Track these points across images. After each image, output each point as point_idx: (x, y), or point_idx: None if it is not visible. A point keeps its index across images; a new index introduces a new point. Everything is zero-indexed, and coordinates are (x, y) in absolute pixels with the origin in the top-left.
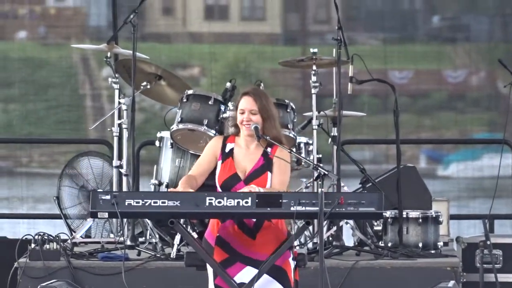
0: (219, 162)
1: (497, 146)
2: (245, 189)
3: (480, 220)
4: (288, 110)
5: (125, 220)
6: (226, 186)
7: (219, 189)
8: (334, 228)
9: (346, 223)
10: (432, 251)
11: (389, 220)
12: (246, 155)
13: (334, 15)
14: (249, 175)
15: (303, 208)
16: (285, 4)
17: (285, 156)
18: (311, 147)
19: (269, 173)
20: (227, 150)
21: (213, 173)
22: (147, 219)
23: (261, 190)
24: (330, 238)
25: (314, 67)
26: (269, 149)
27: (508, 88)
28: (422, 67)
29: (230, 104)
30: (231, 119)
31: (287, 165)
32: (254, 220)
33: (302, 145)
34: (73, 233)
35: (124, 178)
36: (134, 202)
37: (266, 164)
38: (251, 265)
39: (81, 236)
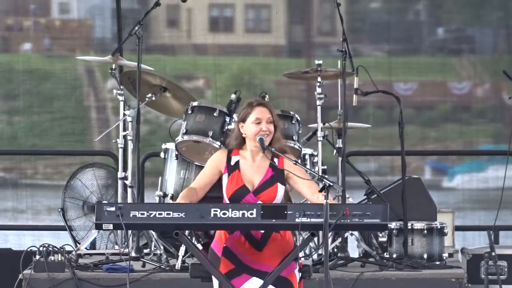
0: (225, 176)
1: (502, 157)
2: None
3: (485, 232)
4: (293, 122)
5: (130, 231)
6: (235, 198)
7: (227, 202)
8: (339, 239)
9: (351, 234)
10: (437, 262)
11: (394, 231)
12: (252, 167)
13: (339, 27)
14: (258, 187)
15: (308, 220)
16: (290, 16)
17: (296, 168)
18: (316, 159)
19: (279, 184)
20: (232, 163)
21: (218, 185)
22: (152, 231)
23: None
24: (335, 250)
25: (319, 79)
26: (275, 160)
27: None
28: (427, 79)
29: (235, 116)
30: (234, 132)
31: (302, 172)
32: (262, 232)
33: (307, 156)
34: (78, 245)
35: (129, 190)
36: (139, 214)
37: (275, 176)
38: (257, 276)
39: (86, 248)
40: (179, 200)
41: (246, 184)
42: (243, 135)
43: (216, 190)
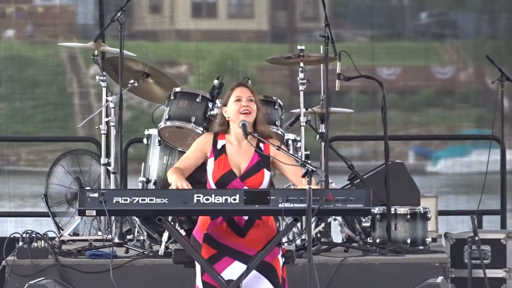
0: (211, 159)
1: (486, 142)
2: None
3: (469, 216)
4: (276, 107)
5: (113, 217)
6: (222, 183)
7: (213, 187)
8: (322, 224)
9: (334, 219)
10: (421, 247)
11: (378, 216)
12: (238, 152)
13: (322, 12)
14: (245, 172)
15: (291, 205)
16: (273, 2)
17: (277, 152)
18: (299, 144)
19: (265, 170)
20: (219, 147)
21: (203, 169)
22: (135, 217)
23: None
24: (318, 235)
25: (302, 64)
26: (261, 145)
27: (496, 84)
28: (410, 64)
29: (217, 101)
30: (218, 117)
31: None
32: (245, 219)
33: (290, 142)
34: (61, 231)
35: (112, 176)
36: (122, 200)
37: (261, 161)
38: (240, 259)
39: (69, 234)
40: (172, 176)
41: (233, 169)
42: (227, 119)
43: (199, 175)
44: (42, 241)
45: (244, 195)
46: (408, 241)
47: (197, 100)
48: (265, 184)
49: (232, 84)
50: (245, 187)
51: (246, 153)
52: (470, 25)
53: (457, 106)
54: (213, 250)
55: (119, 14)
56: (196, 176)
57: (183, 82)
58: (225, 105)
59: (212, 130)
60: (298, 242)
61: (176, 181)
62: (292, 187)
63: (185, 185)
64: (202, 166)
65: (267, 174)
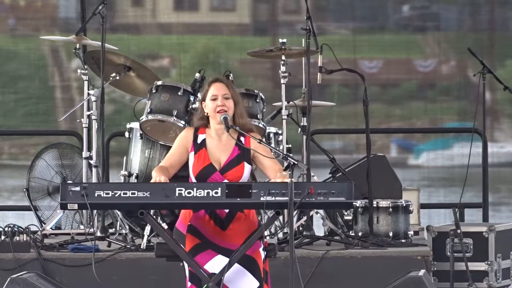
0: (192, 154)
1: (468, 135)
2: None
3: (451, 209)
4: (258, 100)
5: (95, 211)
6: (202, 176)
7: (194, 181)
8: (304, 218)
9: (316, 213)
10: (403, 240)
11: (359, 209)
12: (219, 145)
13: (304, 5)
14: (225, 166)
15: (273, 198)
16: None
17: (261, 146)
18: (280, 137)
19: (245, 163)
20: (199, 141)
21: (186, 164)
22: (117, 210)
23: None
24: (300, 228)
25: (283, 57)
26: (242, 139)
27: (478, 77)
28: (392, 57)
29: (199, 95)
30: (198, 112)
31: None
32: (226, 211)
33: (271, 135)
34: (43, 225)
35: (94, 170)
36: (104, 194)
37: (242, 154)
38: (223, 253)
39: (51, 228)
40: (155, 174)
41: (213, 163)
42: (206, 114)
43: (183, 169)
44: (24, 234)
45: (226, 189)
46: (390, 234)
47: (179, 93)
48: (245, 178)
49: (209, 78)
50: (226, 180)
51: (226, 147)
52: (452, 18)
53: (439, 99)
54: (197, 240)
55: (100, 7)
56: (178, 170)
57: (165, 75)
58: (203, 100)
59: (192, 124)
60: (280, 235)
61: (156, 177)
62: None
63: (164, 181)
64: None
65: (247, 167)
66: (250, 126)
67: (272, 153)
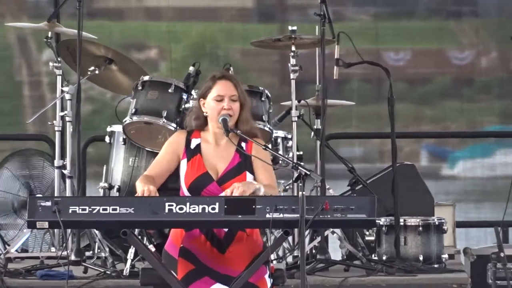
0: (184, 161)
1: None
2: (228, 191)
3: (492, 228)
4: (263, 99)
5: (68, 231)
6: (196, 188)
7: (186, 192)
8: (318, 238)
9: (333, 232)
10: (435, 266)
11: (384, 228)
12: (216, 151)
13: None
14: (223, 175)
15: (281, 215)
16: None
17: (262, 154)
18: (290, 143)
19: (247, 173)
20: (192, 146)
21: (175, 174)
22: (95, 230)
23: (257, 188)
24: (314, 251)
25: (293, 48)
26: (243, 144)
27: None
28: (421, 47)
29: (193, 92)
30: (194, 110)
31: (268, 161)
32: (226, 231)
33: (279, 140)
34: (7, 247)
35: (68, 181)
36: (80, 209)
37: (243, 163)
38: (221, 281)
39: (16, 251)
40: (139, 185)
41: (209, 171)
42: (205, 114)
43: (171, 180)
44: None
45: (225, 204)
46: (420, 258)
47: (169, 90)
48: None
49: (215, 74)
50: (224, 193)
51: (225, 153)
52: (492, 2)
53: (478, 97)
54: (191, 265)
55: None
56: (167, 182)
57: (152, 69)
58: (203, 96)
59: (186, 126)
60: (290, 259)
61: (143, 187)
62: (282, 194)
63: (152, 192)
64: (175, 171)
65: (249, 177)
66: (255, 132)
67: (280, 162)
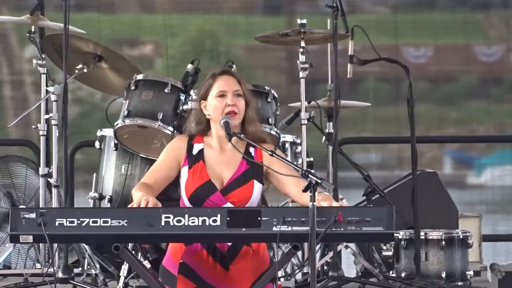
0: (185, 168)
1: None
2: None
3: None
4: (269, 100)
5: (55, 245)
6: (198, 197)
7: (187, 203)
8: (330, 254)
9: (346, 247)
10: (459, 283)
11: (403, 243)
12: (221, 158)
13: None
14: (228, 184)
15: (289, 228)
16: None
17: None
18: (299, 148)
19: (255, 181)
20: (195, 152)
21: (175, 182)
22: (84, 244)
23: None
24: (325, 267)
25: (303, 44)
26: (251, 150)
27: None
28: (444, 42)
29: (192, 93)
30: (195, 114)
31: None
32: (229, 245)
33: (287, 145)
34: None
35: (54, 190)
36: (67, 222)
37: (250, 170)
38: None
39: None
40: (136, 194)
41: (213, 180)
42: (207, 117)
43: (170, 190)
44: None
45: (228, 216)
46: (443, 275)
47: (166, 91)
48: (254, 201)
49: (214, 70)
50: (228, 204)
51: (230, 160)
52: None
53: (507, 98)
54: (192, 284)
55: None
56: (167, 191)
57: (147, 67)
58: (204, 98)
59: (186, 130)
60: (299, 276)
61: (141, 197)
62: (291, 204)
63: (152, 201)
64: (175, 179)
65: (257, 187)
66: (262, 135)
67: (293, 169)
